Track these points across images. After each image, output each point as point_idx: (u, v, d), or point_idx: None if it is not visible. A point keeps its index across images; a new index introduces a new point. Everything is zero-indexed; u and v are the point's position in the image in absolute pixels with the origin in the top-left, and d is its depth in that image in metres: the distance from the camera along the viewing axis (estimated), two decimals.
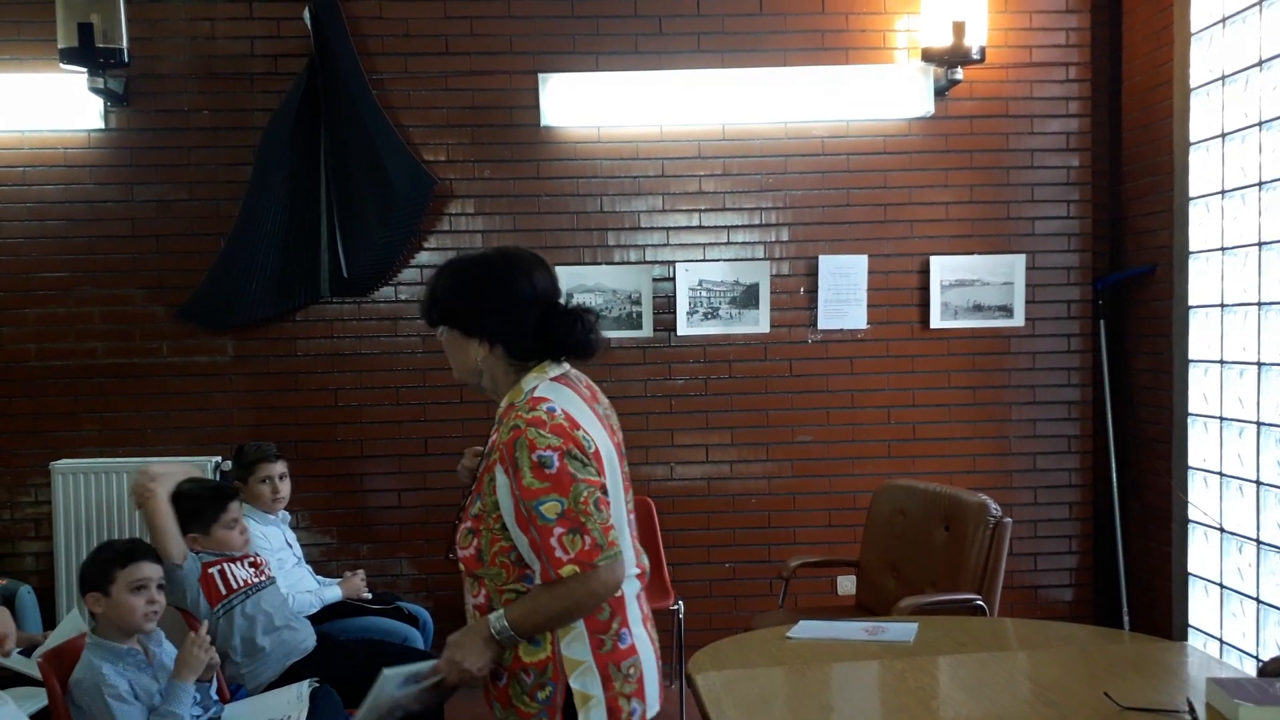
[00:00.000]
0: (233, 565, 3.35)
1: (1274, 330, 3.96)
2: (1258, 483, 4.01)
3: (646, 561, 2.26)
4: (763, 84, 4.61)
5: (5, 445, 4.57)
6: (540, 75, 4.58)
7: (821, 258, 4.71)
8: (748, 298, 4.71)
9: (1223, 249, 4.22)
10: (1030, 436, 4.83)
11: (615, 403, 2.31)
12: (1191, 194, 4.37)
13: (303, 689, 3.03)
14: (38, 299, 4.57)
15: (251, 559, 3.45)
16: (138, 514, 4.34)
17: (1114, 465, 4.80)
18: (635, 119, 4.64)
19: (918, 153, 4.75)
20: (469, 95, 4.64)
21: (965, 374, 4.80)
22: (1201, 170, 4.35)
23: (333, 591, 3.99)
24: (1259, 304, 4.01)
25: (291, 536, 4.12)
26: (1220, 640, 4.26)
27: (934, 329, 4.77)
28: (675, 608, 4.15)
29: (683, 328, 4.70)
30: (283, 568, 3.78)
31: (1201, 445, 4.37)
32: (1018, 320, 4.79)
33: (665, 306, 4.71)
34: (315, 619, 3.68)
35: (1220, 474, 4.24)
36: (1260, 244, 4.00)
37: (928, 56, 4.57)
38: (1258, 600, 4.02)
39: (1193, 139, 4.37)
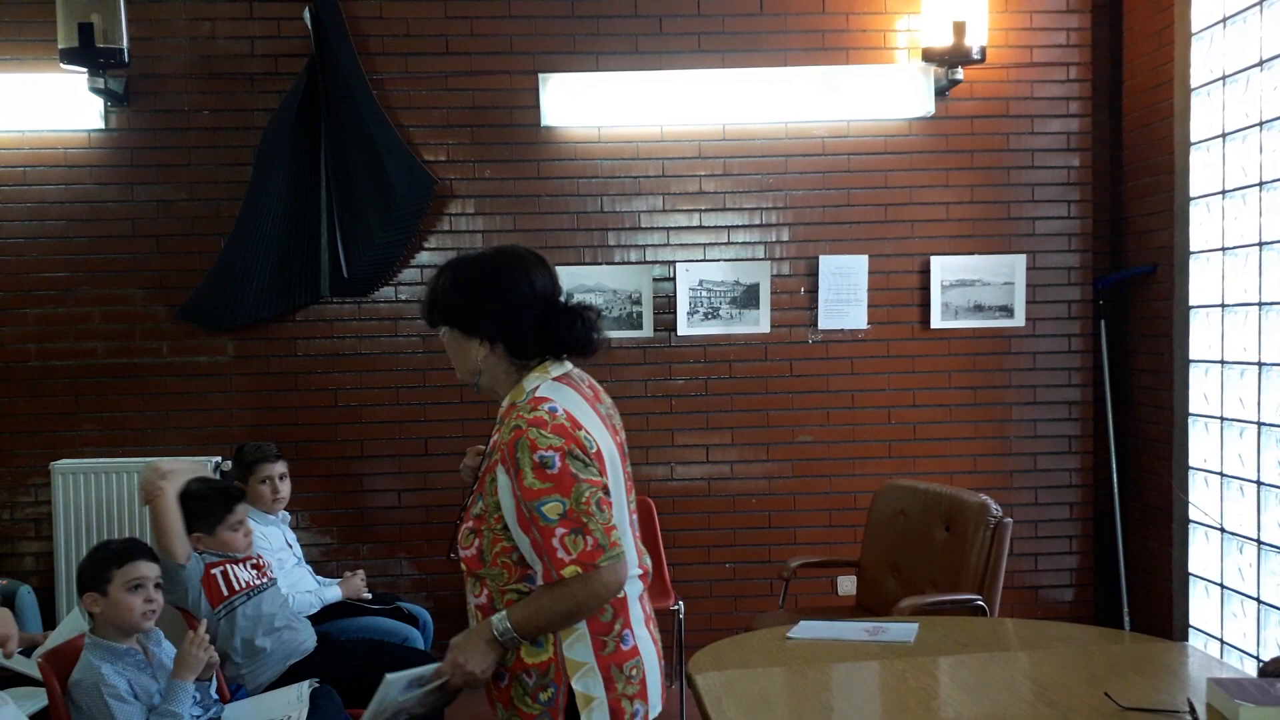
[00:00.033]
0: (235, 567, 3.35)
1: (1274, 330, 3.95)
2: (1258, 483, 4.01)
3: (649, 562, 2.26)
4: (763, 84, 4.61)
5: (5, 445, 4.58)
6: (540, 75, 4.58)
7: (822, 258, 4.71)
8: (748, 298, 4.71)
9: (1223, 249, 4.22)
10: (1031, 437, 4.83)
11: (616, 403, 2.31)
12: (1192, 194, 4.37)
13: (303, 689, 3.03)
14: (38, 299, 4.57)
15: (254, 561, 3.45)
16: (138, 514, 4.38)
17: (1114, 465, 4.80)
18: (635, 119, 4.64)
19: (918, 153, 4.75)
20: (469, 95, 4.64)
21: (966, 374, 4.80)
22: (1202, 170, 4.34)
23: (333, 592, 3.99)
24: (1259, 304, 4.01)
25: (291, 537, 4.12)
26: (1221, 640, 4.25)
27: (934, 329, 4.77)
28: (675, 608, 4.15)
29: (683, 328, 4.70)
30: (283, 568, 3.78)
31: (1202, 445, 4.36)
32: (1018, 320, 4.78)
33: (666, 306, 4.71)
34: (315, 619, 3.68)
35: (1221, 474, 4.24)
36: (1261, 244, 4.00)
37: (928, 56, 4.57)
38: (1258, 600, 4.02)
39: (1193, 139, 4.37)
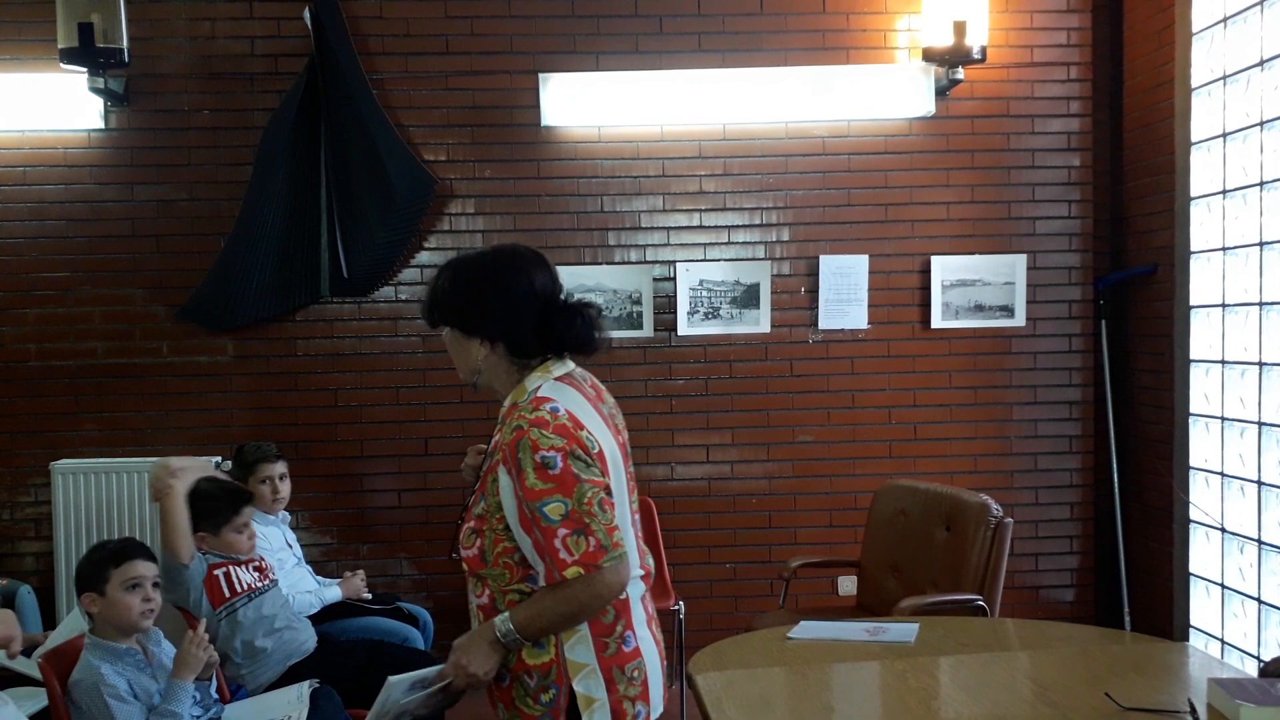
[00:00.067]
0: (238, 569, 3.35)
1: (1275, 330, 3.95)
2: (1259, 483, 4.00)
3: (651, 562, 2.25)
4: (763, 84, 4.61)
5: (5, 445, 4.57)
6: (541, 75, 4.58)
7: (822, 257, 4.71)
8: (748, 298, 4.71)
9: (1224, 249, 4.22)
10: (1031, 437, 4.83)
11: (617, 403, 2.30)
12: (1193, 194, 4.37)
13: (303, 689, 3.02)
14: (38, 299, 4.57)
15: (256, 563, 3.45)
16: (138, 514, 4.38)
17: (1115, 465, 4.80)
18: (636, 119, 4.64)
19: (919, 152, 4.75)
20: (469, 95, 4.63)
21: (966, 374, 4.80)
22: (1203, 170, 4.34)
23: (333, 592, 3.99)
24: (1260, 304, 4.00)
25: (291, 537, 4.12)
26: (1221, 641, 4.25)
27: (935, 329, 4.77)
28: (676, 608, 4.15)
29: (683, 328, 4.70)
30: (283, 568, 3.78)
31: (1203, 445, 4.36)
32: (1019, 320, 4.78)
33: (666, 306, 4.71)
34: (315, 619, 3.68)
35: (1221, 474, 4.24)
36: (1261, 244, 4.00)
37: (929, 56, 4.57)
38: (1259, 600, 4.02)
39: (1194, 139, 4.36)
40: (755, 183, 4.72)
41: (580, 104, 4.59)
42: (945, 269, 4.74)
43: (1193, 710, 2.18)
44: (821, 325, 4.73)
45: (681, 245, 4.71)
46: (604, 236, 4.69)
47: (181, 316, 4.59)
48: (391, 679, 2.09)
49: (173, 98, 4.57)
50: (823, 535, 4.77)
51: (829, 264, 4.71)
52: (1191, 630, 4.42)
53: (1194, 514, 4.39)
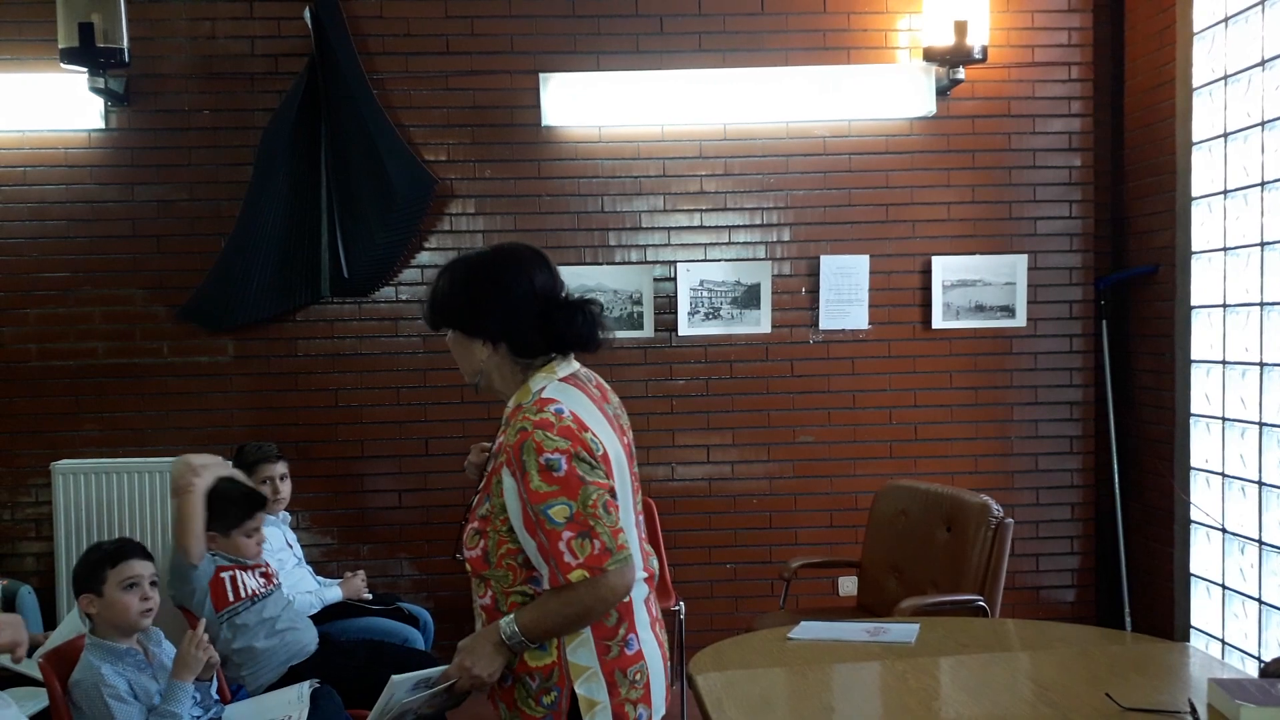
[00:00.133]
0: (245, 574, 3.35)
1: (1276, 330, 3.95)
2: (1260, 483, 4.00)
3: (655, 564, 2.25)
4: (764, 83, 4.61)
5: (6, 445, 4.58)
6: (541, 75, 4.57)
7: (823, 258, 4.71)
8: (749, 298, 4.71)
9: (1225, 249, 4.22)
10: (1032, 437, 4.83)
11: (621, 403, 2.30)
12: (1194, 194, 4.37)
13: (303, 689, 3.02)
14: (38, 299, 4.57)
15: (263, 569, 3.45)
16: (139, 514, 4.38)
17: (1116, 466, 4.79)
18: (636, 119, 4.64)
19: (919, 152, 4.75)
20: (470, 95, 4.63)
21: (967, 374, 4.79)
22: (1204, 170, 4.34)
23: (333, 592, 3.99)
24: (1261, 304, 4.00)
25: (292, 537, 4.12)
26: (1222, 641, 4.25)
27: (936, 329, 4.76)
28: (676, 608, 4.15)
29: (684, 328, 4.70)
30: (283, 568, 3.78)
31: (1203, 446, 4.36)
32: (1019, 320, 4.78)
33: (666, 307, 4.71)
34: (315, 619, 3.68)
35: (1222, 474, 4.24)
36: (1262, 244, 3.99)
37: (929, 56, 4.57)
38: (1259, 601, 4.01)
39: (1195, 139, 4.36)
40: (756, 183, 4.72)
41: (581, 104, 4.59)
42: (946, 269, 4.74)
43: (1193, 710, 2.18)
44: (822, 325, 4.73)
45: (682, 245, 4.71)
46: (604, 237, 4.69)
47: (182, 316, 4.59)
48: (395, 678, 2.09)
49: (173, 98, 4.57)
50: (823, 536, 4.77)
51: (830, 264, 4.71)
52: (1192, 631, 4.41)
53: (1195, 514, 4.39)
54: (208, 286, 4.55)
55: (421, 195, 4.55)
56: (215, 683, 2.96)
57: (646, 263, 4.70)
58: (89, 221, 4.57)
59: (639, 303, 4.68)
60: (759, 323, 4.71)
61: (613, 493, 2.02)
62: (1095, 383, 4.84)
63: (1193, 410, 4.39)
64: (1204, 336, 4.35)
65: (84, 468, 4.41)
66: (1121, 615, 4.76)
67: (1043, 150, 4.79)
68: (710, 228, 4.72)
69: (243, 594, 3.30)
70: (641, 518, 2.21)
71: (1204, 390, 4.35)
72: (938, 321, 4.76)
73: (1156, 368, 4.63)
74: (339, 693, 3.10)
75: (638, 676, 2.08)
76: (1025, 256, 4.77)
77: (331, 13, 4.46)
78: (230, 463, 4.26)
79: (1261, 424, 3.99)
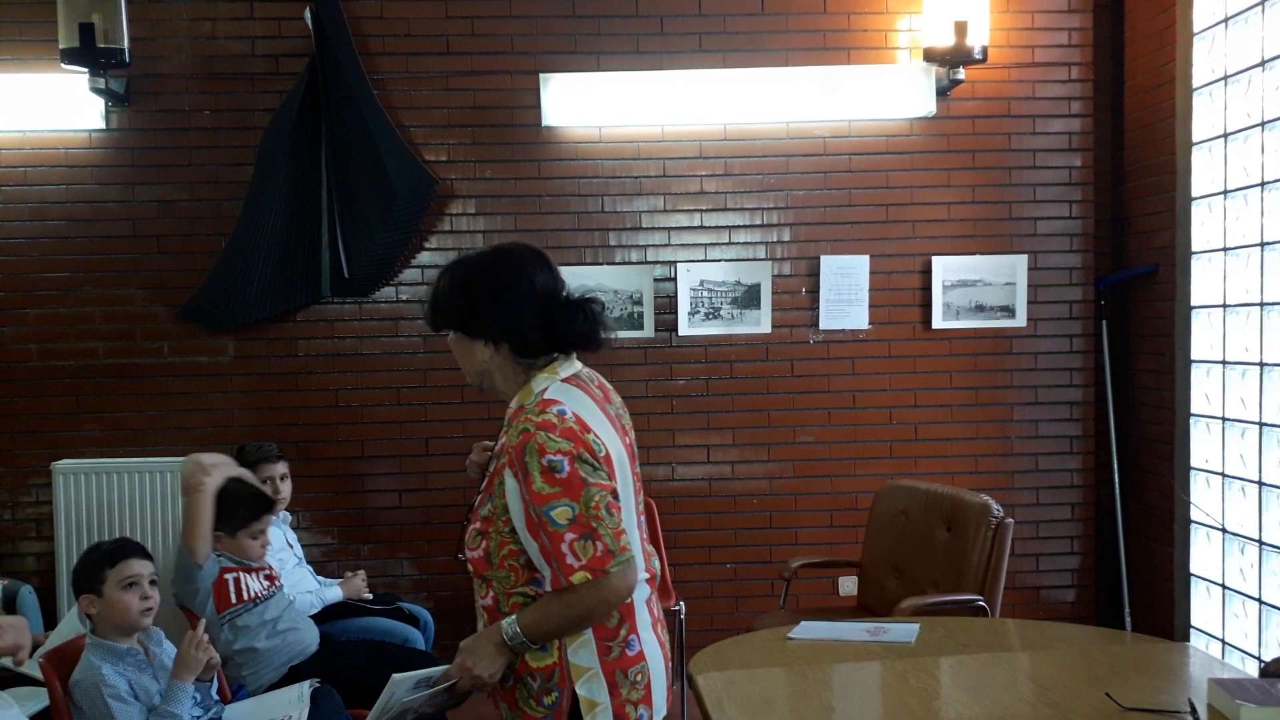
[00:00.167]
0: (249, 576, 3.35)
1: (1276, 330, 3.95)
2: (1260, 483, 4.00)
3: (657, 565, 2.25)
4: (764, 84, 4.61)
5: (6, 445, 4.58)
6: (541, 75, 4.57)
7: (823, 258, 4.71)
8: (749, 298, 4.71)
9: (1225, 249, 4.22)
10: (1032, 437, 4.83)
11: (624, 402, 2.30)
12: (1194, 194, 4.37)
13: (304, 689, 3.03)
14: (39, 299, 4.57)
15: (267, 571, 3.45)
16: (139, 514, 4.38)
17: (1116, 466, 4.80)
18: (637, 119, 4.64)
19: (919, 153, 4.75)
20: (470, 95, 4.64)
21: (967, 374, 4.79)
22: (1204, 170, 4.34)
23: (333, 592, 3.99)
24: (1261, 304, 4.00)
25: (292, 537, 4.13)
26: (1222, 641, 4.25)
27: (936, 329, 4.76)
28: (677, 608, 4.15)
29: (684, 328, 4.70)
30: (283, 568, 3.78)
31: (1203, 446, 4.36)
32: (1020, 321, 4.78)
33: (667, 307, 4.71)
34: (316, 619, 3.68)
35: (1222, 474, 4.24)
36: (1262, 244, 3.99)
37: (929, 56, 4.57)
38: (1260, 601, 4.02)
39: (1195, 139, 4.36)
40: (756, 183, 4.72)
41: (581, 104, 4.59)
42: (946, 269, 4.74)
43: (1193, 710, 2.18)
44: (822, 325, 4.73)
45: (682, 245, 4.71)
46: (605, 237, 4.69)
47: (182, 316, 4.59)
48: (396, 677, 2.09)
49: (173, 98, 4.57)
50: (823, 535, 4.77)
51: (830, 264, 4.71)
52: (1192, 630, 4.42)
53: (1195, 514, 4.39)
54: (208, 286, 4.55)
55: (422, 195, 4.55)
56: (215, 683, 2.97)
57: (647, 263, 4.70)
58: (89, 221, 4.57)
59: (639, 303, 4.68)
60: (759, 323, 4.72)
61: (615, 494, 2.02)
62: (1095, 383, 4.84)
63: (1193, 410, 4.39)
64: (1204, 336, 4.35)
65: (84, 468, 4.41)
66: (1121, 615, 4.76)
67: (1043, 150, 4.79)
68: (710, 228, 4.72)
69: (245, 597, 3.30)
70: (643, 518, 2.21)
71: (1204, 390, 4.35)
72: (938, 321, 4.76)
73: (1156, 368, 4.63)
74: (339, 692, 3.10)
75: (638, 677, 2.08)
76: (1025, 257, 4.77)
77: (332, 13, 4.46)
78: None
79: (1261, 424, 3.99)
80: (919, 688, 2.47)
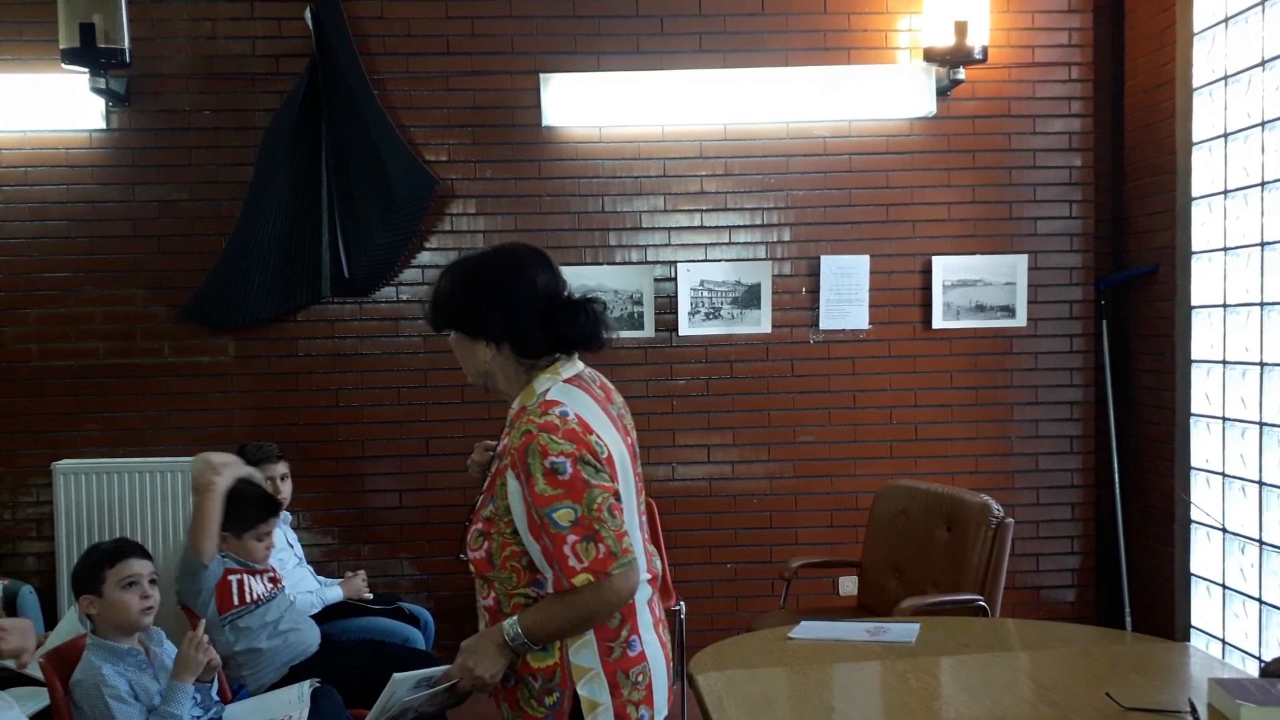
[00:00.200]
0: (252, 579, 3.35)
1: (1276, 330, 3.95)
2: (1260, 483, 4.00)
3: (659, 565, 2.24)
4: (764, 84, 4.61)
5: (7, 445, 4.58)
6: (541, 75, 4.58)
7: (823, 258, 4.71)
8: (749, 298, 4.71)
9: (1225, 249, 4.22)
10: (1032, 437, 4.83)
11: (625, 402, 2.30)
12: (1194, 194, 4.37)
13: (304, 689, 3.03)
14: (39, 299, 4.57)
15: (271, 574, 3.45)
16: (140, 514, 4.38)
17: (1116, 466, 4.80)
18: (637, 119, 4.64)
19: (920, 153, 4.75)
20: (470, 95, 4.64)
21: (967, 374, 4.79)
22: (1204, 170, 4.34)
23: (334, 592, 3.99)
24: (1261, 304, 4.00)
25: (293, 537, 4.13)
26: (1222, 641, 4.25)
27: (936, 329, 4.76)
28: (677, 608, 4.15)
29: (684, 328, 4.70)
30: (284, 568, 3.78)
31: (1204, 446, 4.36)
32: (1020, 320, 4.78)
33: (667, 307, 4.71)
34: (316, 619, 3.68)
35: (1222, 474, 4.24)
36: (1263, 244, 4.00)
37: (930, 56, 4.57)
38: (1260, 601, 4.02)
39: (1195, 139, 4.36)
40: (756, 183, 4.72)
41: (581, 104, 4.59)
42: (946, 269, 4.74)
43: (1193, 710, 2.18)
44: (822, 325, 4.73)
45: (682, 245, 4.71)
46: (605, 237, 4.69)
47: (183, 317, 4.59)
48: (397, 676, 2.09)
49: (174, 98, 4.58)
50: (824, 535, 4.77)
51: (830, 264, 4.71)
52: (1192, 630, 4.42)
53: (1195, 514, 4.39)
54: (208, 286, 4.55)
55: (422, 195, 4.55)
56: (216, 684, 2.97)
57: (647, 263, 4.70)
58: (90, 221, 4.57)
59: (639, 303, 4.68)
60: (759, 323, 4.72)
61: (617, 496, 2.02)
62: (1095, 383, 4.84)
63: (1193, 410, 4.39)
64: (1204, 336, 4.35)
65: (85, 468, 4.41)
66: (1122, 615, 4.76)
67: (1043, 150, 4.79)
68: (711, 228, 4.72)
69: (248, 599, 3.30)
70: (644, 518, 2.21)
71: (1204, 390, 4.35)
72: (938, 321, 4.76)
73: (1157, 368, 4.63)
74: (339, 692, 3.10)
75: (640, 678, 2.08)
76: (1025, 256, 4.77)
77: (332, 13, 4.46)
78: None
79: (1262, 424, 3.99)
80: (919, 688, 2.47)
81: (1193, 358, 4.39)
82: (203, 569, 3.21)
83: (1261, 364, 4.00)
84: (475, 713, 2.71)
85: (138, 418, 4.60)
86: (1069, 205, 4.80)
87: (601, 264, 4.68)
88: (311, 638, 3.45)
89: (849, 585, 4.59)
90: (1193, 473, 4.40)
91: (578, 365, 2.17)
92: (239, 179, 4.55)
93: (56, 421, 4.58)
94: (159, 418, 4.61)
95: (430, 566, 4.68)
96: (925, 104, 4.66)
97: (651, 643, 2.12)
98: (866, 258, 4.71)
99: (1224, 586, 4.25)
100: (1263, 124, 4.00)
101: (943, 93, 4.66)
